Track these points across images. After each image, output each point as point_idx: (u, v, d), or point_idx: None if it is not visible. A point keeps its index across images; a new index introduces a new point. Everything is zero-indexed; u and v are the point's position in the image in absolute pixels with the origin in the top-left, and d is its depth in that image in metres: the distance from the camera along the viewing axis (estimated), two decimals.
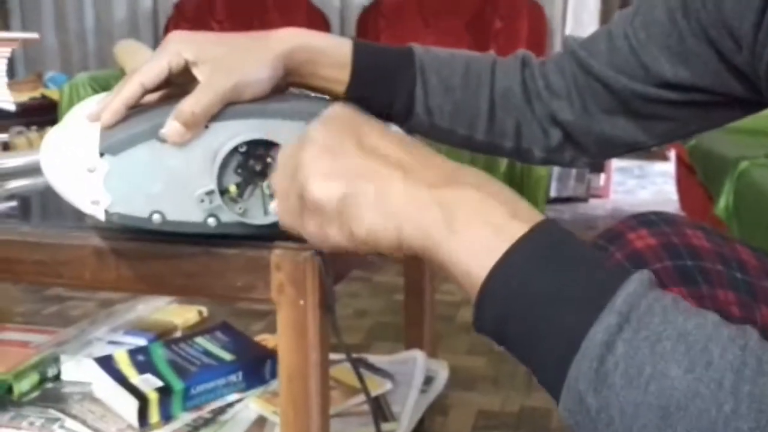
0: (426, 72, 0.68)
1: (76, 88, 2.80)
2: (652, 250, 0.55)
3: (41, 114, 2.64)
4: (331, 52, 0.65)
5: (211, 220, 0.60)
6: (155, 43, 3.62)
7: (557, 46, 3.14)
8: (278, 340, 0.66)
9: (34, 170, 1.05)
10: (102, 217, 0.57)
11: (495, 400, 1.31)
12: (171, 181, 0.58)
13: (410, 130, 0.71)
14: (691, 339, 0.32)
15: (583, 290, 0.34)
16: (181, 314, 1.25)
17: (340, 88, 0.66)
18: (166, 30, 3.49)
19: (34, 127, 1.26)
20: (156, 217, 0.58)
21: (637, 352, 0.32)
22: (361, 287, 1.99)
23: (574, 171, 3.12)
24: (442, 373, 1.14)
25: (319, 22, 3.32)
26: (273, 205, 0.60)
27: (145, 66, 0.60)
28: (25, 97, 2.81)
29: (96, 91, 2.80)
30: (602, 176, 3.34)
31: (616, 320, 0.33)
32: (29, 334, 1.21)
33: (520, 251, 0.36)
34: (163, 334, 1.17)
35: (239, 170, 0.59)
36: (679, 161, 2.39)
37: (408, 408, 1.01)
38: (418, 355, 1.14)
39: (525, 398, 1.31)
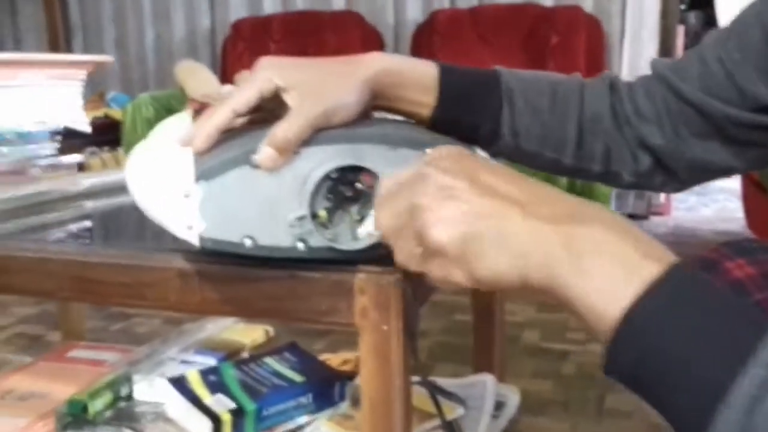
0: (513, 94, 0.67)
1: (138, 107, 2.87)
2: (752, 280, 0.53)
3: (105, 133, 2.70)
4: (417, 76, 0.65)
5: (301, 245, 0.59)
6: (213, 62, 3.70)
7: (615, 62, 3.09)
8: (360, 365, 0.65)
9: (110, 190, 1.07)
10: (197, 242, 0.57)
11: (565, 426, 1.27)
12: (262, 206, 0.58)
13: (495, 154, 0.70)
14: None
15: (724, 339, 0.34)
16: (248, 333, 1.26)
17: (426, 111, 0.65)
18: (224, 49, 3.55)
19: (106, 148, 1.29)
20: (248, 242, 0.58)
21: None
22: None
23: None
24: (513, 398, 1.11)
25: (373, 39, 3.34)
26: (361, 231, 0.60)
27: (236, 92, 0.60)
28: (89, 117, 2.88)
29: (157, 111, 2.86)
30: (662, 195, 3.27)
31: (765, 372, 0.32)
32: (100, 352, 1.23)
33: (655, 295, 0.35)
34: (232, 354, 1.18)
35: (329, 196, 0.59)
36: (746, 178, 2.32)
37: None
38: (488, 379, 1.11)
39: (596, 425, 1.27)
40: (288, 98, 0.60)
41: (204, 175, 0.56)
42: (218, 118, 0.59)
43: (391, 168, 0.58)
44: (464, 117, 0.66)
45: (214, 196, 0.57)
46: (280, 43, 3.43)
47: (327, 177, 0.58)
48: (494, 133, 0.67)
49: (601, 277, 0.36)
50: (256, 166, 0.57)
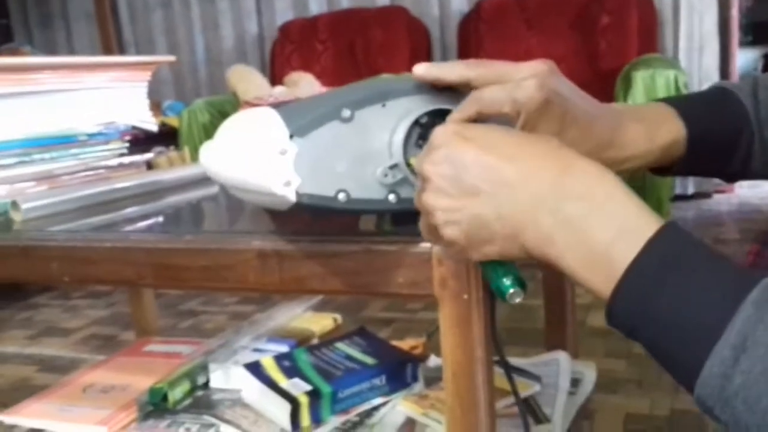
0: (762, 125, 0.65)
1: (194, 114, 2.93)
2: None
3: (163, 141, 2.77)
4: (669, 147, 0.62)
5: (392, 197, 0.60)
6: (263, 65, 3.75)
7: (669, 41, 3.01)
8: (441, 336, 0.65)
9: (180, 186, 1.09)
10: (293, 197, 0.58)
11: (642, 403, 1.25)
12: (354, 159, 0.59)
13: (742, 179, 0.68)
14: None
15: (702, 313, 0.38)
16: (317, 321, 1.27)
17: (671, 160, 0.64)
18: (272, 52, 3.60)
19: (172, 147, 1.32)
20: (341, 196, 0.59)
21: (754, 384, 0.35)
22: None
23: None
24: (589, 374, 1.09)
25: (419, 32, 3.34)
26: None
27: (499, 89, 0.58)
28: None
29: (213, 116, 2.91)
30: None
31: (731, 353, 0.36)
32: (174, 345, 1.26)
33: (651, 252, 0.40)
34: (303, 341, 1.19)
35: (420, 143, 0.60)
36: None
37: (558, 409, 0.97)
38: (561, 357, 1.10)
39: (674, 401, 1.24)
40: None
41: (297, 131, 0.58)
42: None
43: None
44: (709, 164, 0.65)
45: (308, 151, 0.58)
46: (327, 43, 3.45)
47: (416, 123, 0.60)
48: (743, 169, 0.66)
49: (597, 237, 0.42)
50: (346, 121, 0.58)
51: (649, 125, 0.62)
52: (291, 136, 0.58)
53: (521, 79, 0.57)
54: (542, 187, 0.45)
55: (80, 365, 1.33)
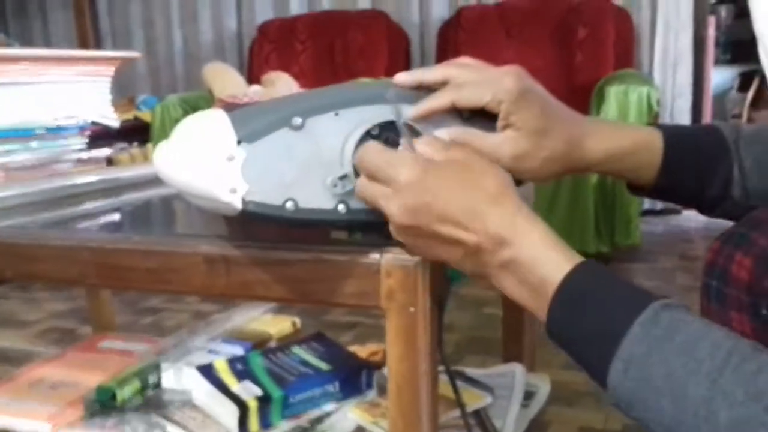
0: (740, 151, 0.65)
1: (167, 109, 2.89)
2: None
3: (135, 135, 2.74)
4: (640, 154, 0.64)
5: (341, 207, 0.60)
6: (240, 63, 3.72)
7: (645, 55, 3.04)
8: (387, 348, 0.64)
9: (139, 184, 1.08)
10: (239, 205, 0.57)
11: (597, 416, 1.25)
12: (303, 168, 0.58)
13: (722, 215, 0.67)
14: (677, 377, 0.43)
15: (601, 335, 0.47)
16: (275, 324, 1.26)
17: (644, 180, 0.66)
18: (251, 51, 3.57)
19: (135, 144, 1.30)
20: (289, 205, 0.58)
21: (637, 391, 0.45)
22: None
23: None
24: (544, 387, 1.10)
25: (399, 38, 3.34)
26: None
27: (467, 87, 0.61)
28: (119, 120, 2.92)
29: (186, 112, 2.88)
30: None
31: (623, 366, 0.45)
32: (129, 342, 1.25)
33: (576, 276, 0.49)
34: (259, 344, 1.18)
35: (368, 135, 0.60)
36: None
37: (510, 422, 0.97)
38: (517, 369, 1.10)
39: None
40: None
41: (246, 137, 0.57)
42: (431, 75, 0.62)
43: (431, 127, 0.60)
44: (688, 182, 0.65)
45: (257, 158, 0.57)
46: (306, 43, 3.44)
47: (368, 134, 0.59)
48: (722, 195, 0.65)
49: (542, 258, 0.51)
50: (297, 128, 0.58)
51: (621, 126, 0.65)
52: (239, 142, 0.57)
53: (499, 76, 0.60)
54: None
55: (35, 359, 1.31)
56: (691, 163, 0.65)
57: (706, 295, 0.58)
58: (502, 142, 0.60)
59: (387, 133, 0.60)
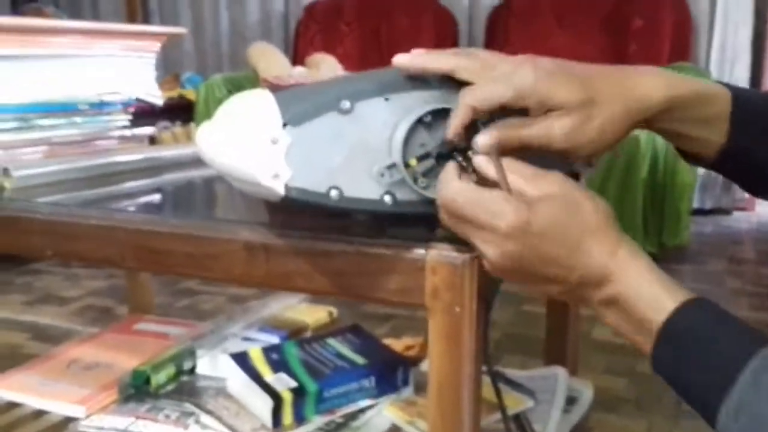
0: None
1: (211, 88, 2.90)
2: None
3: (178, 113, 2.75)
4: (704, 108, 0.57)
5: (388, 198, 0.56)
6: (286, 44, 3.71)
7: (702, 47, 2.94)
8: (429, 347, 0.61)
9: (181, 164, 1.06)
10: (282, 191, 0.54)
11: (640, 425, 1.21)
12: (350, 155, 0.55)
13: None
14: None
15: (713, 375, 0.46)
16: (311, 314, 1.24)
17: (708, 147, 0.59)
18: (297, 32, 3.56)
19: (178, 122, 1.29)
20: (334, 193, 0.55)
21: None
22: None
23: (720, 180, 2.90)
24: (587, 393, 1.05)
25: (447, 22, 3.28)
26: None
27: (481, 87, 0.55)
28: (164, 97, 2.93)
29: (230, 92, 2.88)
30: None
31: (733, 413, 0.44)
32: (166, 326, 1.24)
33: (688, 311, 0.48)
34: (295, 333, 1.16)
35: (422, 144, 0.56)
36: None
37: (551, 428, 0.94)
38: (559, 372, 1.06)
39: (673, 426, 1.20)
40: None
41: (292, 120, 0.54)
42: (443, 64, 0.56)
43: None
44: (758, 149, 0.58)
45: (302, 142, 0.54)
46: (352, 26, 3.41)
47: (419, 122, 0.56)
48: None
49: (645, 295, 0.49)
50: (345, 113, 0.54)
51: (678, 74, 0.57)
52: (284, 125, 0.54)
53: (514, 68, 0.54)
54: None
55: (72, 336, 1.31)
56: (761, 127, 0.58)
57: None
58: (550, 124, 0.54)
59: (440, 120, 0.56)
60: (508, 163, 0.53)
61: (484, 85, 0.54)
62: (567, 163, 0.59)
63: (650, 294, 0.49)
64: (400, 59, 0.56)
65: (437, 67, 0.56)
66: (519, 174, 0.52)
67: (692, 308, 0.48)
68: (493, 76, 0.55)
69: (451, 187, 0.52)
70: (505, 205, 0.50)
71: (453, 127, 0.55)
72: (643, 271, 0.50)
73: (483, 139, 0.54)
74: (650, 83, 0.55)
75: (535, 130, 0.54)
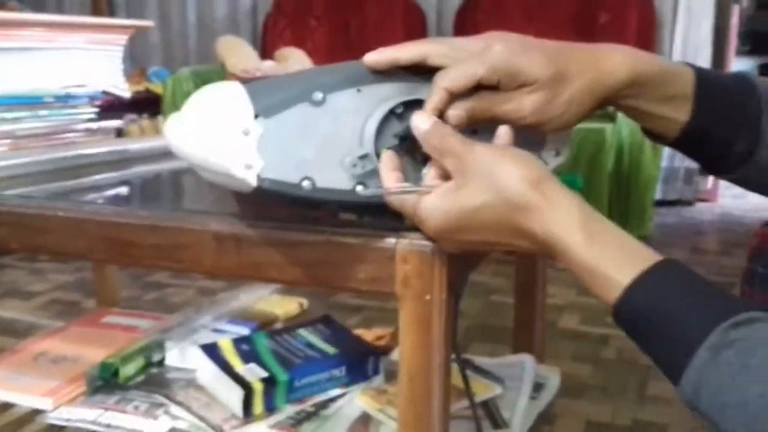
0: None
1: (179, 82, 2.87)
2: None
3: (145, 107, 2.72)
4: (668, 87, 0.58)
5: (360, 188, 0.57)
6: (255, 38, 3.68)
7: (666, 41, 2.99)
8: (400, 336, 0.62)
9: (148, 157, 1.05)
10: (254, 182, 0.54)
11: (605, 410, 1.24)
12: (322, 145, 0.56)
13: (743, 179, 0.61)
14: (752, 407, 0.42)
15: (701, 310, 0.46)
16: (282, 305, 1.24)
17: (672, 125, 0.59)
18: (265, 26, 3.54)
19: (145, 115, 1.28)
20: (306, 184, 0.56)
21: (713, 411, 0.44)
22: None
23: (681, 172, 2.96)
24: (553, 379, 1.07)
25: (416, 17, 3.29)
26: (425, 172, 0.57)
27: (458, 67, 0.56)
28: (130, 91, 2.89)
29: (198, 86, 2.85)
30: (710, 179, 3.17)
31: (719, 338, 0.44)
32: (134, 318, 1.23)
33: (657, 270, 0.47)
34: (265, 324, 1.16)
35: (394, 135, 0.58)
36: None
37: (518, 414, 0.95)
38: (527, 360, 1.08)
39: (637, 411, 1.23)
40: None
41: (263, 111, 0.54)
42: (407, 54, 0.57)
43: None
44: (719, 129, 0.59)
45: (274, 133, 0.54)
46: (321, 20, 3.40)
47: (391, 113, 0.57)
48: (750, 151, 0.59)
49: (612, 252, 0.49)
50: (317, 104, 0.55)
51: (644, 52, 0.58)
52: (256, 116, 0.55)
53: (484, 45, 0.56)
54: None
55: (38, 330, 1.30)
56: (723, 106, 0.59)
57: (749, 282, 0.56)
58: (520, 99, 0.55)
59: (411, 111, 0.57)
60: (438, 141, 0.54)
61: (457, 67, 0.55)
62: (535, 150, 0.61)
63: (596, 274, 0.48)
64: (370, 57, 0.57)
65: (408, 57, 0.57)
66: (450, 155, 0.53)
67: (644, 283, 0.47)
68: (464, 56, 0.56)
69: (387, 198, 0.56)
70: (426, 213, 0.54)
71: (428, 110, 0.56)
72: (583, 250, 0.49)
73: (454, 112, 0.55)
74: (616, 59, 0.57)
75: (506, 105, 0.55)
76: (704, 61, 2.97)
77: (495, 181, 0.50)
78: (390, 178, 0.56)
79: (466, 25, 3.13)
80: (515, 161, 0.51)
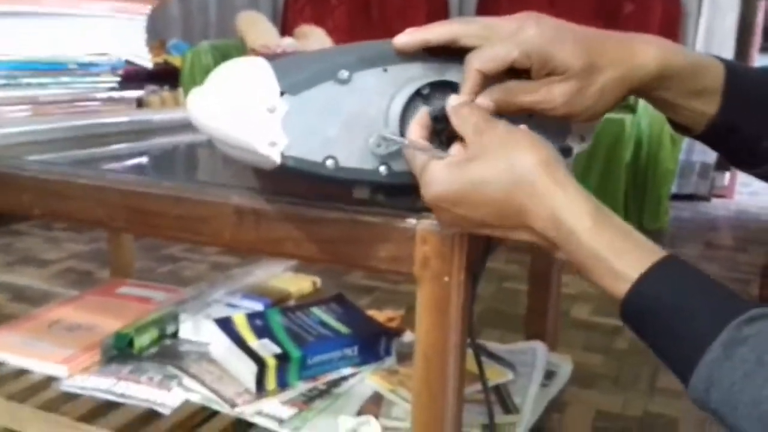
0: None
1: (198, 55, 2.86)
2: None
3: (164, 79, 2.72)
4: (698, 80, 0.57)
5: (383, 168, 0.57)
6: (275, 15, 3.67)
7: (690, 33, 2.95)
8: (417, 317, 0.62)
9: (169, 128, 1.05)
10: (278, 159, 0.54)
11: (615, 400, 1.23)
12: (347, 125, 0.55)
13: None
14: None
15: (710, 308, 0.45)
16: (296, 283, 1.25)
17: (700, 118, 0.58)
18: (285, 3, 3.52)
19: (166, 87, 1.28)
20: (329, 162, 0.55)
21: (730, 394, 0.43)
22: None
23: (697, 167, 2.94)
24: (565, 367, 1.07)
25: (438, 3, 3.26)
26: (452, 150, 0.56)
27: (488, 48, 0.55)
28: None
29: (216, 60, 2.85)
30: (727, 175, 3.14)
31: (731, 334, 0.43)
32: (148, 290, 1.24)
33: (662, 268, 0.46)
34: (279, 301, 1.17)
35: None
36: None
37: (529, 401, 0.95)
38: (538, 347, 1.08)
39: (648, 402, 1.23)
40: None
41: (290, 88, 0.54)
42: (435, 34, 0.56)
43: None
44: (749, 123, 0.58)
45: (299, 111, 0.54)
46: (342, 0, 3.38)
47: (417, 93, 0.56)
48: None
49: (620, 244, 0.48)
50: (343, 82, 0.55)
51: (675, 44, 0.57)
52: (282, 93, 0.54)
53: (517, 26, 0.54)
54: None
55: (52, 299, 1.31)
56: (753, 101, 0.58)
57: None
58: (550, 89, 0.54)
59: (437, 93, 0.57)
60: (466, 111, 0.54)
61: (489, 47, 0.54)
62: (561, 136, 0.60)
63: (604, 266, 0.48)
64: (400, 39, 0.56)
65: (438, 37, 0.56)
66: (470, 126, 0.53)
67: (653, 277, 0.46)
68: (496, 38, 0.55)
69: (404, 150, 0.56)
70: (432, 175, 0.52)
71: (463, 93, 0.55)
72: (590, 239, 0.48)
73: (481, 102, 0.54)
74: (647, 51, 0.55)
75: (534, 95, 0.54)
76: (727, 54, 2.94)
77: (508, 160, 0.50)
78: (415, 131, 0.55)
79: (488, 6, 3.11)
80: (531, 144, 0.50)
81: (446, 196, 0.51)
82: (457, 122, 0.54)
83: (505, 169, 0.49)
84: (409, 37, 0.56)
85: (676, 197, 2.99)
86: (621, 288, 0.47)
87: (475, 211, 0.51)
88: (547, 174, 0.49)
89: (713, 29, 2.91)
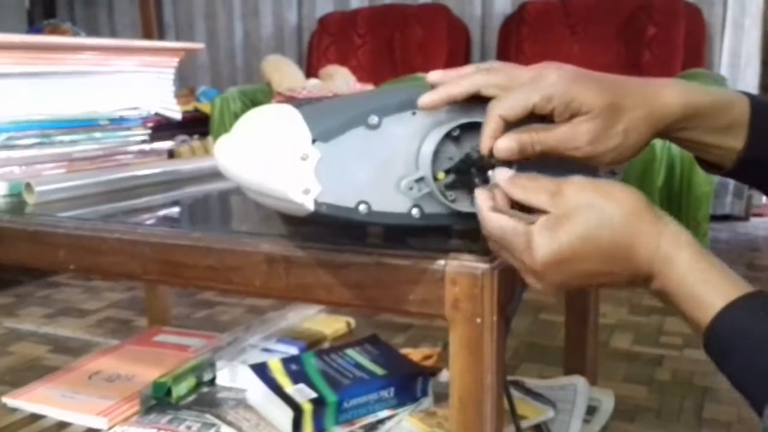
0: None
1: (226, 101, 2.91)
2: None
3: (194, 126, 2.77)
4: (722, 117, 0.58)
5: (416, 211, 0.58)
6: (299, 57, 3.73)
7: (715, 53, 2.93)
8: (450, 359, 0.61)
9: (200, 177, 1.07)
10: (312, 206, 0.54)
11: None
12: (378, 169, 0.56)
13: None
14: None
15: (758, 377, 0.46)
16: (330, 324, 1.25)
17: (727, 154, 0.59)
18: (310, 45, 3.58)
19: (195, 136, 1.30)
20: (362, 208, 0.56)
21: None
22: None
23: (731, 186, 2.88)
24: (607, 402, 1.05)
25: (460, 32, 3.29)
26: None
27: (511, 96, 0.55)
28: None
29: (245, 105, 2.90)
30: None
31: None
32: (185, 337, 1.25)
33: (748, 300, 0.47)
34: (314, 344, 1.16)
35: (450, 158, 0.57)
36: None
37: None
38: (579, 382, 1.06)
39: None
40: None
41: (321, 136, 0.54)
42: (458, 89, 0.56)
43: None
44: None
45: (331, 157, 0.54)
46: (365, 37, 3.42)
47: (447, 136, 0.56)
48: None
49: (713, 276, 0.49)
50: (372, 128, 0.55)
51: (698, 85, 0.58)
52: (314, 141, 0.55)
53: (538, 74, 0.55)
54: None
55: (93, 348, 1.33)
56: None
57: None
58: (574, 129, 0.54)
59: (467, 134, 0.57)
60: (526, 180, 0.53)
61: (511, 94, 0.54)
62: (591, 171, 0.60)
63: (694, 294, 0.49)
64: (425, 99, 0.56)
65: (461, 92, 0.57)
66: (542, 191, 0.52)
67: (740, 307, 0.47)
68: (515, 83, 0.55)
69: (486, 220, 0.53)
70: (534, 239, 0.50)
71: (485, 139, 0.55)
72: (686, 268, 0.49)
73: (504, 143, 0.54)
74: (669, 92, 0.56)
75: (559, 135, 0.54)
76: (752, 74, 2.90)
77: (604, 207, 0.50)
78: (483, 198, 0.54)
79: (510, 39, 3.12)
80: (619, 188, 0.52)
81: (558, 258, 0.50)
82: (519, 193, 0.53)
83: (605, 215, 0.50)
84: (434, 96, 0.57)
85: (712, 218, 2.93)
86: (706, 316, 0.48)
87: (586, 262, 0.50)
88: (647, 211, 0.50)
89: (737, 48, 2.88)
